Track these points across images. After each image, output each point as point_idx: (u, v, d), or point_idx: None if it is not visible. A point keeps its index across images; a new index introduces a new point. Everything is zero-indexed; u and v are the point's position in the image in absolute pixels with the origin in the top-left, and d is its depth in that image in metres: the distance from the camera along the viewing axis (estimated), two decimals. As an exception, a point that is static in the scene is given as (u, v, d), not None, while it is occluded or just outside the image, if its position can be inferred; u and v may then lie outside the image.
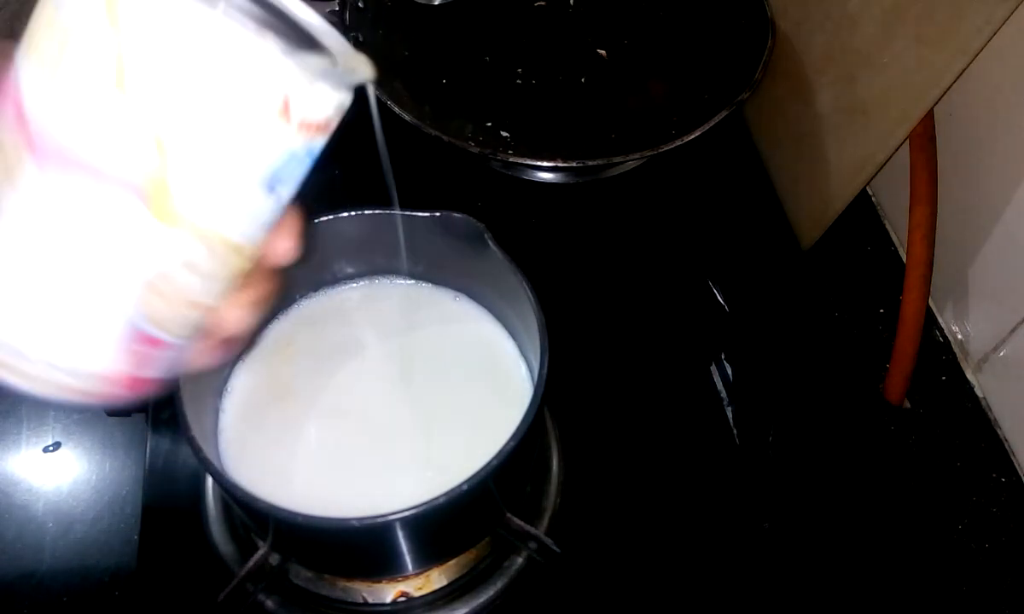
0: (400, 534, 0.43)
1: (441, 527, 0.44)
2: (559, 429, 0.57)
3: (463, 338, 0.52)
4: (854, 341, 0.68)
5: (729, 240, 0.71)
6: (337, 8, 0.74)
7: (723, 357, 0.64)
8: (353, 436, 0.49)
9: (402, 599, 0.50)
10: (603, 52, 0.77)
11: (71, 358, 0.29)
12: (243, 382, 0.50)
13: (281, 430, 0.49)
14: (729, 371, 0.63)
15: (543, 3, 0.81)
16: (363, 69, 0.31)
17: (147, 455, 0.56)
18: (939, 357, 0.65)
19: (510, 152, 0.69)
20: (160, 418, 0.57)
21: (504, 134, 0.70)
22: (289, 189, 0.30)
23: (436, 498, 0.39)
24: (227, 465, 0.47)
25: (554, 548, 0.47)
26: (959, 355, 0.65)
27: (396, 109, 0.66)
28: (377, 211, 0.49)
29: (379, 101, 0.42)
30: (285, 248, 0.33)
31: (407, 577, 0.50)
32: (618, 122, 0.72)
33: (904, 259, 0.64)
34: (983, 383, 0.63)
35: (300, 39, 0.28)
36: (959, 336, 0.65)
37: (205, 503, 0.53)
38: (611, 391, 0.62)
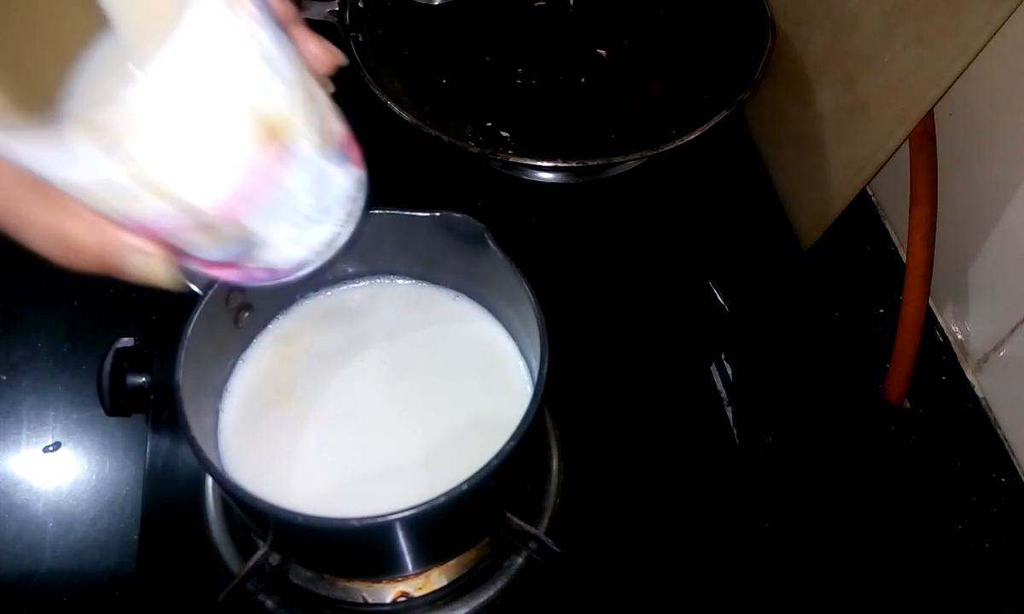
0: (400, 534, 0.43)
1: (441, 527, 0.44)
2: (559, 429, 0.57)
3: (463, 338, 0.52)
4: (854, 341, 0.68)
5: (729, 240, 0.71)
6: (337, 8, 0.74)
7: (723, 357, 0.64)
8: (353, 436, 0.49)
9: (402, 599, 0.50)
10: (603, 52, 0.77)
11: None
12: (243, 382, 0.50)
13: (281, 430, 0.49)
14: (729, 371, 0.63)
15: (543, 3, 0.81)
16: None
17: (147, 455, 0.56)
18: (939, 357, 0.65)
19: (510, 152, 0.69)
20: (160, 418, 0.57)
21: (504, 134, 0.70)
22: None
23: (436, 498, 0.39)
24: (227, 465, 0.47)
25: (554, 548, 0.47)
26: (959, 355, 0.65)
27: (396, 109, 0.66)
28: (377, 211, 0.49)
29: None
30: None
31: (407, 577, 0.50)
32: (618, 122, 0.72)
33: (904, 259, 0.64)
34: (983, 383, 0.63)
35: None
36: (959, 336, 0.65)
37: (205, 503, 0.53)
38: (611, 391, 0.62)
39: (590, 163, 0.68)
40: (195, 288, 0.40)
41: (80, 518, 0.56)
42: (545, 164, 0.69)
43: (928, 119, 0.60)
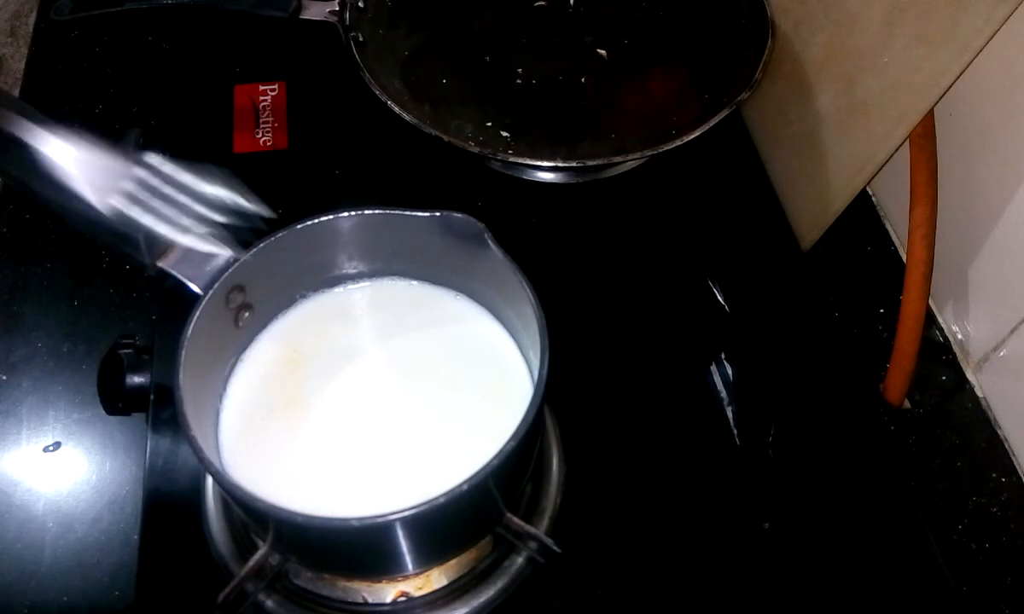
0: (400, 534, 0.43)
1: (441, 527, 0.44)
2: (559, 429, 0.57)
3: (463, 338, 0.52)
4: (854, 341, 0.68)
5: (729, 240, 0.71)
6: (337, 8, 0.74)
7: (723, 357, 0.64)
8: (352, 436, 0.49)
9: (402, 599, 0.50)
10: (603, 52, 0.77)
11: None
12: (243, 382, 0.50)
13: (281, 430, 0.49)
14: (729, 371, 0.63)
15: (543, 3, 0.81)
16: None
17: (147, 455, 0.56)
18: (939, 357, 0.65)
19: (510, 152, 0.69)
20: (160, 418, 0.56)
21: (504, 134, 0.70)
22: None
23: (436, 498, 0.39)
24: (227, 465, 0.47)
25: (554, 548, 0.47)
26: (959, 355, 0.65)
27: (396, 109, 0.66)
28: (377, 211, 0.49)
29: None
30: None
31: (407, 577, 0.50)
32: (618, 122, 0.72)
33: (904, 259, 0.64)
34: (983, 383, 0.63)
35: None
36: (959, 336, 0.65)
37: (205, 503, 0.53)
38: (611, 391, 0.62)
39: (590, 163, 0.68)
40: (196, 288, 0.40)
41: (80, 518, 0.56)
42: (545, 164, 0.69)
43: (928, 119, 0.60)
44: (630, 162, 0.72)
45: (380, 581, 0.50)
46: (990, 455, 0.61)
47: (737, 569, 0.54)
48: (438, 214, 0.48)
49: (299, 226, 0.48)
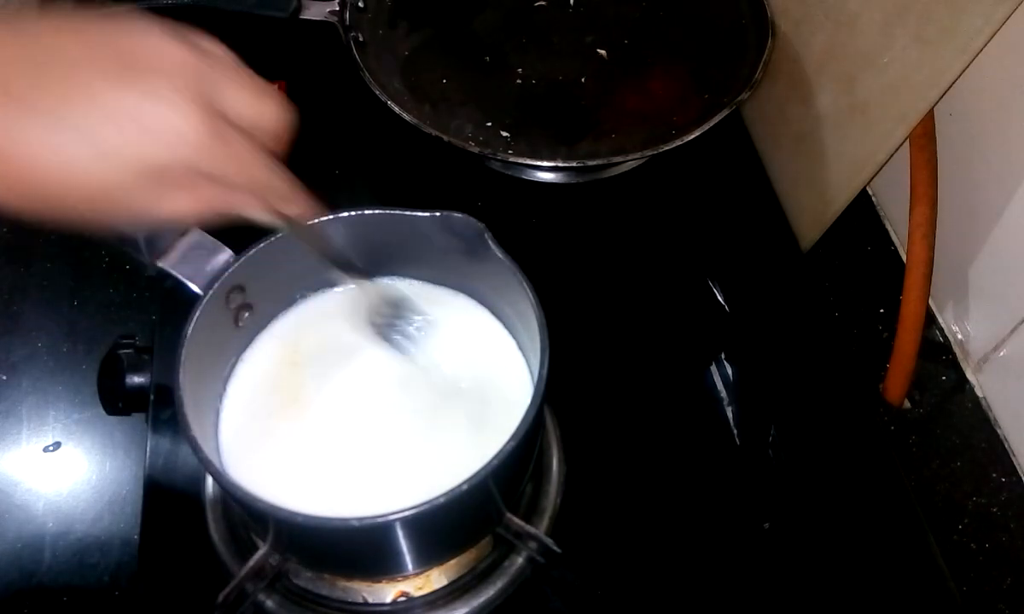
0: (400, 534, 0.43)
1: (441, 527, 0.44)
2: (559, 429, 0.57)
3: (463, 338, 0.52)
4: (854, 341, 0.68)
5: (729, 240, 0.71)
6: (337, 8, 0.74)
7: (723, 357, 0.64)
8: (353, 435, 0.49)
9: (402, 599, 0.50)
10: (603, 52, 0.77)
11: None
12: (243, 382, 0.50)
13: (281, 430, 0.49)
14: (729, 371, 0.63)
15: (543, 3, 0.81)
16: None
17: (147, 455, 0.56)
18: (939, 357, 0.65)
19: (510, 152, 0.69)
20: (160, 418, 0.56)
21: (504, 134, 0.70)
22: None
23: (436, 498, 0.39)
24: (227, 465, 0.47)
25: (554, 548, 0.47)
26: (959, 355, 0.65)
27: (396, 109, 0.66)
28: (377, 211, 0.49)
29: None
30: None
31: (407, 577, 0.50)
32: (618, 122, 0.72)
33: (904, 259, 0.64)
34: (983, 383, 0.63)
35: None
36: (959, 336, 0.65)
37: (205, 503, 0.53)
38: (611, 391, 0.62)
39: (590, 163, 0.68)
40: (195, 288, 0.40)
41: (80, 518, 0.56)
42: (545, 164, 0.69)
43: (928, 119, 0.60)
44: (630, 162, 0.72)
45: (380, 581, 0.50)
46: (990, 455, 0.61)
47: (737, 569, 0.54)
48: (438, 214, 0.48)
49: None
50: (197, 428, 0.42)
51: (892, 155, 0.63)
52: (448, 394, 0.50)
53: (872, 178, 0.66)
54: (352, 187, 0.72)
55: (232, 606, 0.45)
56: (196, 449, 0.41)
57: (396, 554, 0.45)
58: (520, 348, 0.51)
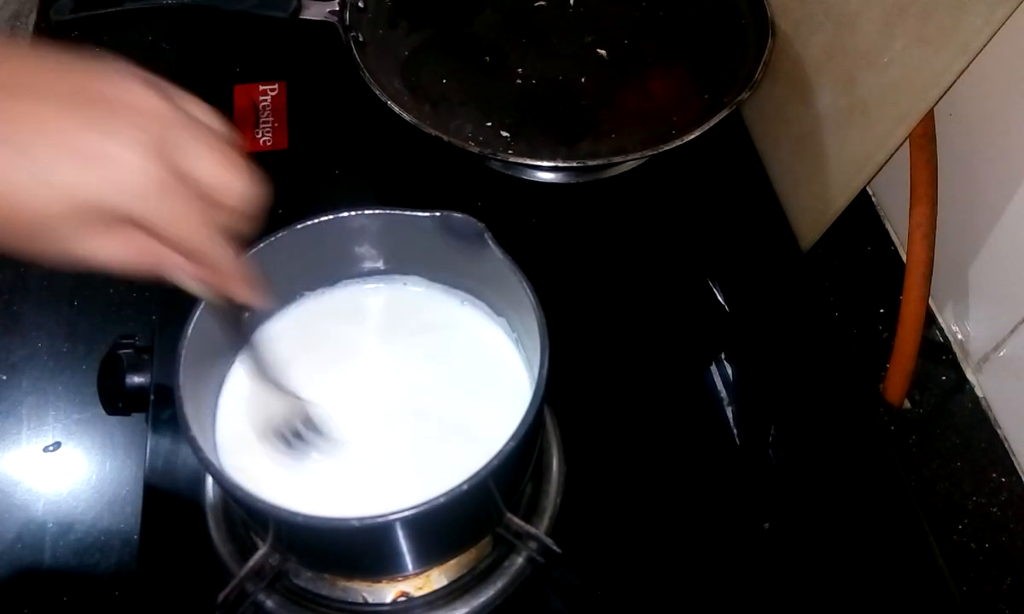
0: (400, 534, 0.43)
1: (441, 527, 0.44)
2: (559, 429, 0.57)
3: (463, 338, 0.52)
4: (854, 341, 0.68)
5: (729, 240, 0.71)
6: (337, 8, 0.74)
7: (723, 357, 0.64)
8: (352, 435, 0.49)
9: (402, 599, 0.50)
10: (603, 52, 0.77)
11: None
12: (243, 381, 0.50)
13: (281, 430, 0.49)
14: (729, 371, 0.63)
15: (543, 3, 0.81)
16: None
17: (147, 455, 0.56)
18: (939, 357, 0.65)
19: (510, 152, 0.69)
20: (160, 418, 0.56)
21: (504, 134, 0.70)
22: None
23: (436, 498, 0.39)
24: (227, 465, 0.47)
25: (554, 548, 0.47)
26: (959, 355, 0.65)
27: (396, 109, 0.66)
28: (377, 211, 0.49)
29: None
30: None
31: (407, 577, 0.50)
32: (618, 122, 0.72)
33: (904, 259, 0.64)
34: (983, 383, 0.63)
35: None
36: (959, 336, 0.65)
37: (205, 503, 0.53)
38: (611, 391, 0.62)
39: (590, 163, 0.68)
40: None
41: (80, 518, 0.56)
42: (545, 164, 0.69)
43: (928, 119, 0.60)
44: (630, 162, 0.72)
45: (380, 581, 0.50)
46: (990, 455, 0.61)
47: (737, 569, 0.54)
48: (438, 214, 0.48)
49: (299, 226, 0.48)
50: (197, 428, 0.42)
51: (892, 155, 0.63)
52: (448, 394, 0.50)
53: (872, 178, 0.66)
54: (352, 187, 0.72)
55: (232, 606, 0.45)
56: (196, 449, 0.41)
57: (396, 554, 0.45)
58: (520, 348, 0.51)
